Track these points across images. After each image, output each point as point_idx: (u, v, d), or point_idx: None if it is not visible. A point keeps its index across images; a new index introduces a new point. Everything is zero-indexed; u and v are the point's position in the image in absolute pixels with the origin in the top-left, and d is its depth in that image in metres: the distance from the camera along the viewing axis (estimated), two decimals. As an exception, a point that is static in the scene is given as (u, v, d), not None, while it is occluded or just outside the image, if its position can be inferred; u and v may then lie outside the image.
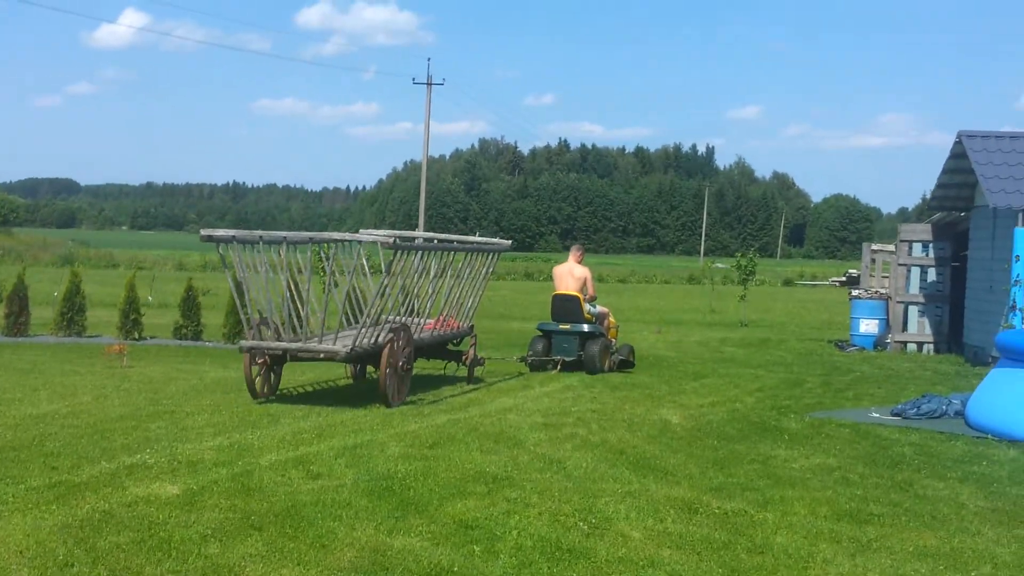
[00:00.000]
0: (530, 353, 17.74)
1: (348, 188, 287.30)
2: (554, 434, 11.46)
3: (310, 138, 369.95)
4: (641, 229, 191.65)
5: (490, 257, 16.84)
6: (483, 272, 16.61)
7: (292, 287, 14.12)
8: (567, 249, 18.93)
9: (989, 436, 11.95)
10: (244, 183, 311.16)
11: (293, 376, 15.80)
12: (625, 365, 18.08)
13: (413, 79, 62.44)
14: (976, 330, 20.38)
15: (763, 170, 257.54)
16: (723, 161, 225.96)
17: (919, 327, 22.52)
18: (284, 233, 13.99)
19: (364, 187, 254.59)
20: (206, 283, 38.16)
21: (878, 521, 8.12)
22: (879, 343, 23.08)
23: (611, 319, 18.59)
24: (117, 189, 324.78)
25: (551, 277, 19.04)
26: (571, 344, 17.48)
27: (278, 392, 14.07)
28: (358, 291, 16.05)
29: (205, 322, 21.48)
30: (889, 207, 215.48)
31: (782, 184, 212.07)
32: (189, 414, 12.15)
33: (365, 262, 16.34)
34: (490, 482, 8.97)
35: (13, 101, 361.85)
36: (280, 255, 13.94)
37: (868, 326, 23.49)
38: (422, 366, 17.07)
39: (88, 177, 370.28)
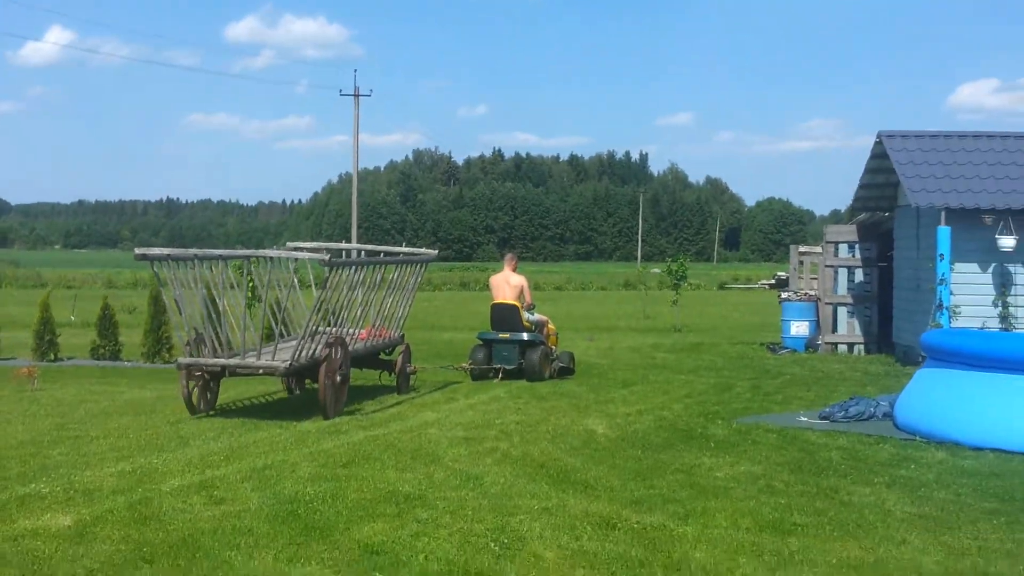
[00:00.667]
0: (471, 362, 17.82)
1: (284, 201, 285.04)
2: (474, 448, 11.11)
3: (244, 152, 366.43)
4: (578, 236, 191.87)
5: (418, 267, 17.05)
6: (412, 282, 16.84)
7: (226, 304, 14.20)
8: (504, 258, 18.82)
9: (917, 438, 11.76)
10: (178, 199, 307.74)
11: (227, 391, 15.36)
12: (565, 372, 18.24)
13: (340, 91, 61.83)
14: (905, 329, 20.30)
15: (697, 175, 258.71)
16: (657, 167, 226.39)
17: (849, 328, 22.40)
18: (219, 251, 14.22)
19: (300, 200, 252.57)
20: (134, 301, 37.54)
21: (801, 531, 7.85)
22: (810, 345, 22.96)
23: (550, 326, 18.69)
24: (49, 208, 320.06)
25: (488, 287, 19.27)
26: (511, 352, 17.57)
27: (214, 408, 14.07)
28: (279, 306, 15.63)
29: (124, 341, 20.89)
30: (822, 209, 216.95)
31: (716, 189, 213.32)
32: (94, 438, 11.67)
33: (295, 277, 16.14)
34: (401, 502, 8.60)
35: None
36: (212, 272, 13.97)
37: (799, 328, 23.36)
38: (354, 376, 16.72)
39: (18, 196, 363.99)
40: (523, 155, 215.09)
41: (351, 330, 15.49)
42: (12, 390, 16.02)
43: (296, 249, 16.04)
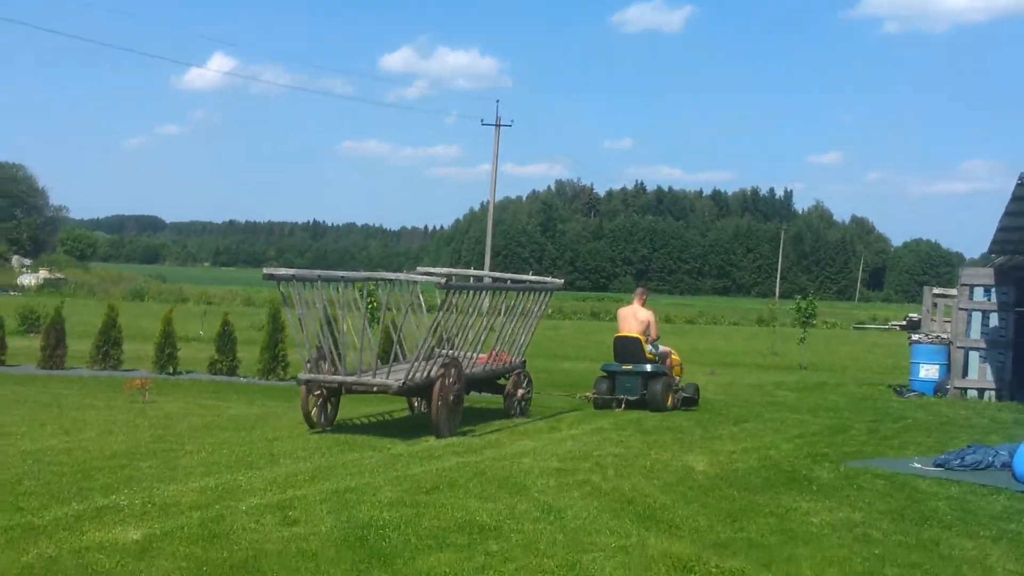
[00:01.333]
0: (595, 392, 18.15)
1: (426, 228, 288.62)
2: (565, 480, 10.81)
3: (391, 179, 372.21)
4: (716, 271, 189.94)
5: (542, 295, 17.34)
6: (535, 310, 17.13)
7: (349, 324, 14.75)
8: (635, 292, 18.97)
9: (1034, 491, 11.08)
10: (324, 222, 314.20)
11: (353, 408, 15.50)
12: (689, 403, 18.46)
13: (482, 120, 62.24)
14: (1041, 376, 19.35)
15: (842, 214, 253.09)
16: (801, 205, 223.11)
17: (980, 373, 21.48)
18: (342, 272, 14.70)
19: (441, 227, 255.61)
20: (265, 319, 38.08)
21: (889, 585, 7.38)
22: (939, 389, 22.09)
23: (674, 357, 18.91)
24: (201, 227, 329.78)
25: (615, 318, 19.46)
26: (634, 384, 17.83)
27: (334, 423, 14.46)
28: (394, 326, 15.74)
29: (242, 357, 21.11)
30: (972, 252, 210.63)
31: (861, 228, 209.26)
32: (188, 452, 11.70)
33: (421, 299, 16.69)
34: (475, 533, 8.35)
35: (105, 141, 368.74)
36: (338, 292, 14.34)
37: (928, 371, 22.52)
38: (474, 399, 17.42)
39: (173, 215, 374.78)
40: (665, 189, 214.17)
41: (469, 353, 15.58)
42: (125, 401, 16.27)
43: (426, 274, 16.31)
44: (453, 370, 14.01)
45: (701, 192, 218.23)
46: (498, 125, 60.95)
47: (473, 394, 16.80)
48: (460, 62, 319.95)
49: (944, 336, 22.67)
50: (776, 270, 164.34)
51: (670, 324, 65.68)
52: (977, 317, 21.48)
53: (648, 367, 17.80)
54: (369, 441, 13.17)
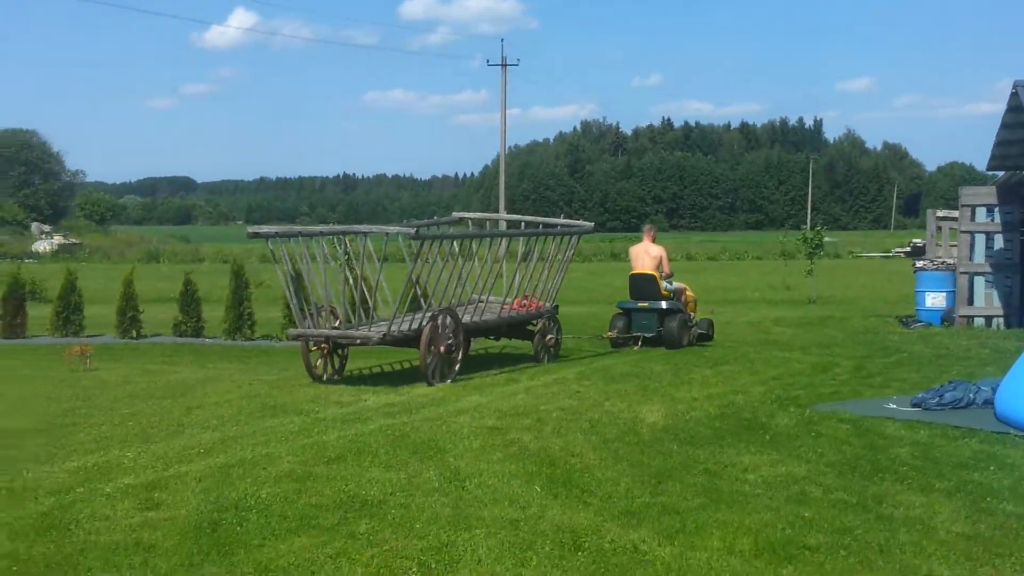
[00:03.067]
0: (611, 330, 18.21)
1: (456, 175, 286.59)
2: (492, 441, 9.82)
3: (419, 128, 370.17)
4: (749, 205, 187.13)
5: (564, 240, 17.02)
6: (559, 255, 16.90)
7: (345, 276, 15.06)
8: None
9: (1013, 431, 10.00)
10: (355, 174, 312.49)
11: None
12: (704, 338, 18.56)
13: (488, 61, 60.66)
14: (1049, 301, 18.14)
15: (874, 141, 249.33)
16: (832, 134, 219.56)
17: (987, 300, 20.26)
18: (320, 227, 15.64)
19: (471, 173, 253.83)
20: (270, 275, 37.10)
21: (805, 557, 6.37)
22: (946, 318, 20.93)
23: (689, 293, 19.08)
24: (232, 185, 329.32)
25: (627, 256, 19.54)
26: (650, 321, 17.98)
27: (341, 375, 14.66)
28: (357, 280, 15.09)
29: (208, 317, 20.22)
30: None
31: (894, 155, 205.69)
32: (91, 426, 10.80)
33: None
34: (352, 510, 7.39)
35: (130, 104, 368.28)
36: (343, 246, 15.14)
37: (935, 300, 21.37)
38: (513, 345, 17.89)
39: (204, 174, 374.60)
40: (692, 124, 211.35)
41: (490, 299, 16.05)
42: (66, 371, 15.39)
43: (460, 220, 18.59)
44: (446, 319, 14.02)
45: (729, 125, 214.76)
46: (504, 65, 59.17)
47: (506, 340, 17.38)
48: (482, 4, 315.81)
49: (950, 261, 21.46)
50: (807, 201, 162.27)
51: (693, 262, 64.56)
52: (981, 239, 20.23)
53: (664, 304, 17.92)
54: (325, 395, 12.49)
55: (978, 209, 20.21)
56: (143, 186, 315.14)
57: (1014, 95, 17.68)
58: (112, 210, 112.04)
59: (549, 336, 16.40)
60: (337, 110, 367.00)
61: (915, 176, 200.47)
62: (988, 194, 20.24)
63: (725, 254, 73.45)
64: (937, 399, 11.32)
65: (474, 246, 16.30)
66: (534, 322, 16.53)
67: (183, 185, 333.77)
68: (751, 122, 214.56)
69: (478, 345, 17.88)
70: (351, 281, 14.89)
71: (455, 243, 15.82)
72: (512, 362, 16.20)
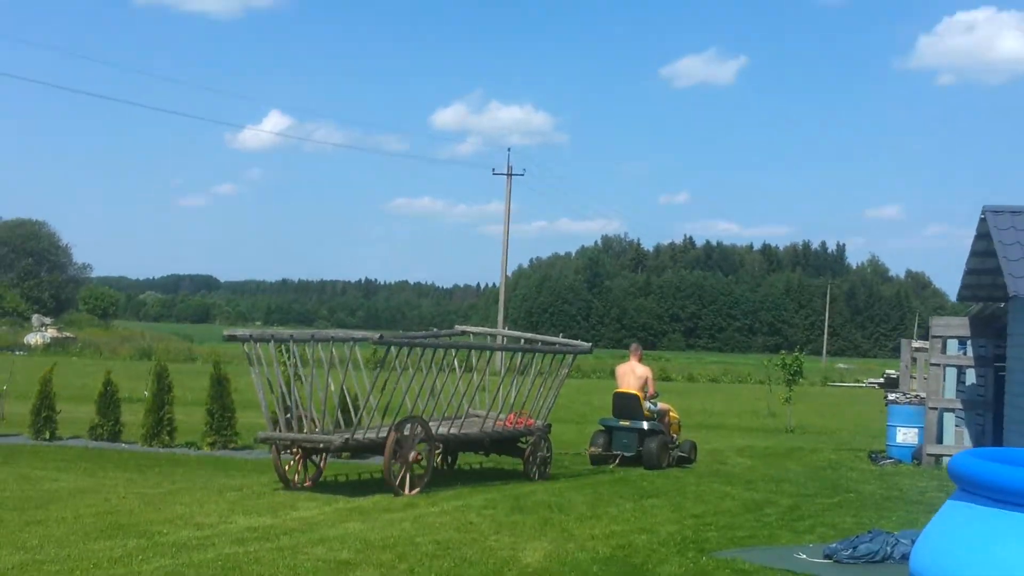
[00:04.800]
0: (591, 446, 18.40)
1: (478, 285, 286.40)
2: (327, 579, 8.67)
3: (444, 236, 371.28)
4: (767, 328, 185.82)
5: (556, 359, 16.99)
6: (544, 371, 16.86)
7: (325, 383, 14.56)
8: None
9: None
10: (376, 280, 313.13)
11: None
12: (684, 461, 18.55)
13: (493, 170, 60.43)
14: (1017, 443, 16.87)
15: (898, 269, 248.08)
16: (855, 259, 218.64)
17: (957, 438, 19.00)
18: (291, 332, 15.74)
19: (492, 284, 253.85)
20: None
21: None
22: (917, 455, 19.66)
23: (673, 415, 19.07)
24: (254, 285, 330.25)
25: (613, 375, 19.75)
26: (631, 440, 18.07)
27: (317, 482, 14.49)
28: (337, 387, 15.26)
29: (127, 420, 19.15)
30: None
31: (917, 283, 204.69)
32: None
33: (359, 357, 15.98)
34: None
35: (160, 202, 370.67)
36: (293, 352, 14.63)
37: (906, 436, 20.12)
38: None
39: (228, 274, 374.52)
40: (713, 243, 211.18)
41: (486, 414, 16.09)
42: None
43: (463, 333, 18.67)
44: (414, 428, 13.95)
45: (752, 247, 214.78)
46: (509, 175, 59.37)
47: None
48: (513, 116, 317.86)
49: (924, 395, 20.24)
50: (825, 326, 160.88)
51: (694, 383, 63.21)
52: (952, 374, 19.02)
53: (645, 424, 18.04)
54: (203, 513, 11.17)
55: (950, 341, 19.02)
56: (166, 283, 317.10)
57: (983, 221, 16.65)
58: (114, 304, 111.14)
59: (540, 454, 16.20)
60: (363, 215, 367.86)
61: (938, 306, 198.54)
62: (960, 326, 19.05)
63: (727, 376, 71.90)
64: (850, 551, 10.12)
65: (453, 357, 16.41)
66: (524, 439, 16.29)
67: (205, 283, 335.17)
68: (774, 244, 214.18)
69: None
70: (297, 387, 14.53)
71: (433, 353, 15.41)
72: (495, 478, 16.05)
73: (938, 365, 18.93)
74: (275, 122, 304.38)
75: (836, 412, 36.40)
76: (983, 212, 16.59)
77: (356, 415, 14.82)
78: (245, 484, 14.28)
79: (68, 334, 76.20)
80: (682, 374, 70.43)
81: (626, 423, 18.14)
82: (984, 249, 16.90)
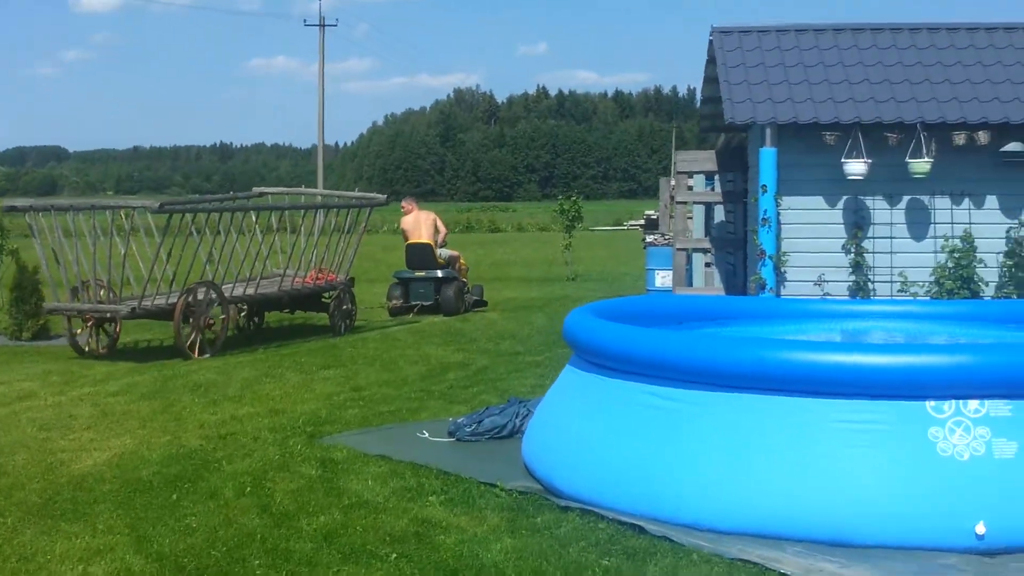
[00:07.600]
0: (390, 301, 18.72)
1: (336, 144, 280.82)
2: None
3: (300, 96, 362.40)
4: (621, 174, 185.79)
5: (347, 213, 17.05)
6: (343, 225, 16.88)
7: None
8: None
9: (529, 489, 7.33)
10: (231, 143, 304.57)
11: None
12: (479, 304, 19.37)
13: (304, 21, 57.58)
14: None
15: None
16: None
17: (707, 280, 17.79)
18: (70, 201, 15.99)
19: (350, 142, 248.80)
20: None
21: None
22: (673, 300, 18.44)
23: (462, 261, 19.47)
24: (105, 154, 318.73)
25: (399, 230, 20.17)
26: (427, 289, 18.61)
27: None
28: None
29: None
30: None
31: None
32: None
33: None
34: None
35: (3, 72, 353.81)
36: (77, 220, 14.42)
37: (664, 279, 18.79)
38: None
39: (77, 143, 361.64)
40: (566, 92, 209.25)
41: (284, 271, 16.13)
42: None
43: (261, 195, 18.98)
44: (208, 292, 13.98)
45: (605, 94, 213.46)
46: (322, 25, 56.49)
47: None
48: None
49: (677, 236, 18.93)
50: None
51: (524, 232, 62.09)
52: (699, 211, 17.72)
53: (439, 272, 18.60)
54: None
55: (696, 177, 17.61)
56: (11, 156, 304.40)
57: (711, 44, 15.11)
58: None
59: (344, 307, 16.45)
60: (217, 77, 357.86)
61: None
62: (707, 159, 17.39)
63: (556, 225, 70.78)
64: (474, 426, 8.68)
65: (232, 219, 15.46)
66: (328, 295, 16.53)
67: (54, 154, 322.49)
68: (625, 91, 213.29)
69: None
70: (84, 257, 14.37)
71: (219, 216, 15.24)
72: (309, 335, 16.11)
73: (684, 203, 17.50)
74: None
75: (638, 256, 35.28)
76: (711, 33, 15.04)
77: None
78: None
79: None
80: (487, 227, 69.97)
81: (421, 273, 18.63)
82: (714, 75, 15.35)
